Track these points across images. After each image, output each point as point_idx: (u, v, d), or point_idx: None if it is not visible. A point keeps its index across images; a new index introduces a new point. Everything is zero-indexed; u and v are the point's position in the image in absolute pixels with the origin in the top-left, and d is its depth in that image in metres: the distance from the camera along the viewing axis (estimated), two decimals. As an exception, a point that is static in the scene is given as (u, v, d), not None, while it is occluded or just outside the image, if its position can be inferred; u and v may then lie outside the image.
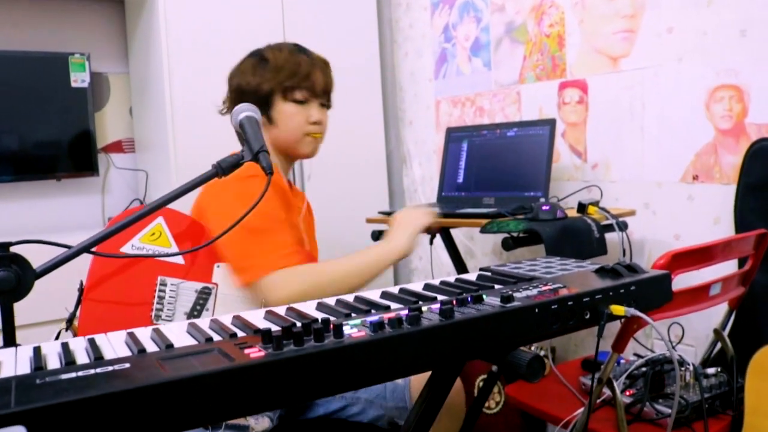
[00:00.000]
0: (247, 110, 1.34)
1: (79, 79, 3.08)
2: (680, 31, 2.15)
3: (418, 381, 1.48)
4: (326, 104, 1.76)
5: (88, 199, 3.25)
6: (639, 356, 1.79)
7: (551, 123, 2.35)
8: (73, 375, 0.72)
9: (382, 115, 3.47)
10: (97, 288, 1.40)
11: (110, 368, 0.74)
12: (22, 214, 3.10)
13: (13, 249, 1.00)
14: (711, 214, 2.11)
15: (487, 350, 0.95)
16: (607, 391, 1.61)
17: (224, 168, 1.22)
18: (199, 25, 2.81)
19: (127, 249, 1.49)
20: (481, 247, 3.04)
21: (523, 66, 2.75)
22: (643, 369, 1.69)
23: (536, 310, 0.98)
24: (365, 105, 3.40)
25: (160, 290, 1.49)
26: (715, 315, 2.00)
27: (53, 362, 0.82)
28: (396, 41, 3.53)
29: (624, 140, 2.37)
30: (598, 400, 1.65)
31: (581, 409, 1.59)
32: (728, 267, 1.84)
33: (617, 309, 1.06)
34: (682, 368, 1.64)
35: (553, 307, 1.00)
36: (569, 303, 1.02)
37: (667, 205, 2.24)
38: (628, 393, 1.64)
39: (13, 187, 3.07)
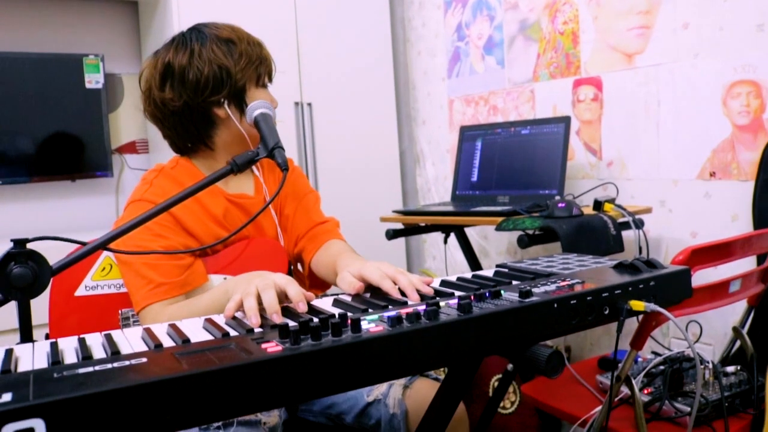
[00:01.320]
0: (262, 107, 1.34)
1: (93, 80, 3.10)
2: (696, 26, 2.13)
3: (415, 413, 1.43)
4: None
5: (103, 199, 3.26)
6: (657, 354, 1.77)
7: (566, 120, 2.33)
8: (90, 369, 0.72)
9: (395, 115, 3.46)
10: (60, 334, 1.33)
11: (127, 363, 0.74)
12: (37, 215, 3.12)
13: (29, 246, 1.00)
14: (729, 211, 2.09)
15: (505, 346, 0.94)
16: (624, 390, 1.59)
17: (239, 165, 1.22)
18: (212, 26, 2.80)
19: (81, 292, 1.47)
20: (495, 246, 3.03)
21: (536, 64, 2.74)
22: (661, 367, 1.68)
23: (555, 305, 0.97)
24: (378, 104, 3.39)
25: (124, 324, 1.47)
26: (732, 313, 1.98)
27: (70, 357, 0.82)
28: (409, 40, 3.53)
29: (639, 137, 2.35)
30: (616, 399, 1.63)
31: (598, 408, 1.57)
32: (747, 264, 1.81)
33: (637, 304, 1.05)
34: (702, 366, 1.61)
35: (572, 302, 0.99)
36: (588, 298, 1.01)
37: (684, 203, 2.22)
38: (646, 391, 1.62)
39: (29, 188, 3.09)
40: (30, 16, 3.11)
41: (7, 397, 0.62)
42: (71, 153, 3.09)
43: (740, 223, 2.05)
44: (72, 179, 3.13)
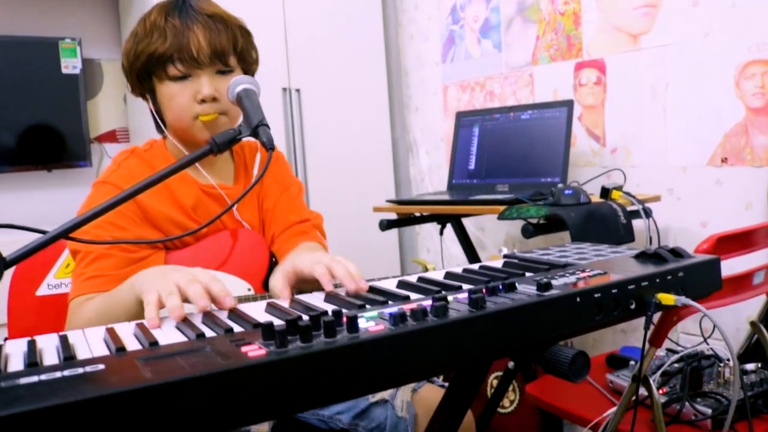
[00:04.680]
0: (243, 82, 1.21)
1: (70, 65, 2.97)
2: (707, 3, 2.03)
3: (425, 419, 1.31)
4: (226, 69, 1.33)
5: (81, 190, 3.09)
6: (671, 351, 1.66)
7: (568, 104, 2.22)
8: (34, 379, 0.60)
9: (387, 101, 3.35)
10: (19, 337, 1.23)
11: (80, 370, 0.62)
12: (12, 206, 2.99)
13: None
14: (742, 199, 1.98)
15: (523, 345, 0.83)
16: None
17: (219, 144, 1.09)
18: (195, 7, 2.68)
19: (43, 291, 1.35)
20: (492, 238, 2.91)
21: (536, 47, 2.62)
22: (676, 365, 1.57)
23: (577, 299, 0.86)
24: (369, 90, 3.28)
25: None
26: (744, 307, 1.87)
27: (16, 364, 0.70)
28: (400, 24, 3.40)
29: (646, 122, 2.24)
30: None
31: (612, 410, 1.46)
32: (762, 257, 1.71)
33: (666, 298, 0.94)
34: (721, 364, 1.51)
35: (596, 295, 0.88)
36: (613, 291, 0.90)
37: (694, 191, 2.12)
38: (661, 391, 1.51)
39: (4, 177, 2.97)
40: (3, -2, 2.97)
41: None
42: (48, 142, 2.97)
43: (754, 212, 1.95)
44: (49, 169, 3.00)
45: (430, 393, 1.33)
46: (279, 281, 1.01)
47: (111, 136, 3.21)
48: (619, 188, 1.94)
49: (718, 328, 0.96)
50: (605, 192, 1.92)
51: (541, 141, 2.26)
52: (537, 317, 0.81)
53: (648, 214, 1.86)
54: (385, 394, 1.32)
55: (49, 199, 3.06)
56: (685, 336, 2.11)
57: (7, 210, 2.97)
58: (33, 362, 0.66)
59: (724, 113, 2.01)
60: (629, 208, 1.87)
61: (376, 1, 3.29)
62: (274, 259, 1.43)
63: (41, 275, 1.35)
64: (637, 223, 1.89)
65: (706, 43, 2.04)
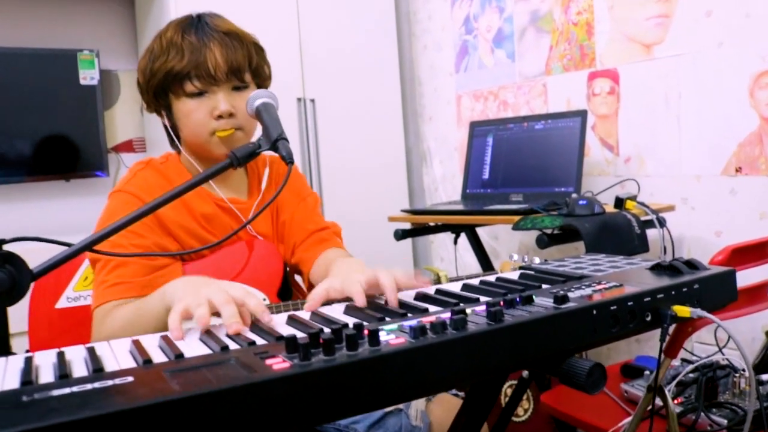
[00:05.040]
0: (262, 96, 1.22)
1: (88, 76, 3.00)
2: (720, 14, 2.03)
3: (438, 428, 1.32)
4: (241, 85, 1.35)
5: (98, 199, 3.13)
6: (686, 362, 1.66)
7: (582, 114, 2.23)
8: (66, 391, 0.62)
9: (401, 111, 3.37)
10: (40, 348, 1.24)
11: (110, 383, 0.64)
12: (31, 216, 3.03)
13: (8, 247, 0.90)
14: (756, 209, 1.98)
15: (540, 357, 0.84)
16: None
17: (239, 158, 1.11)
18: (211, 19, 2.71)
19: (62, 303, 1.37)
20: (506, 247, 2.92)
21: (549, 56, 2.63)
22: (692, 375, 1.57)
23: (594, 312, 0.87)
24: (383, 100, 3.29)
25: None
26: (760, 317, 1.87)
27: (46, 375, 0.72)
28: (414, 34, 3.42)
29: (659, 132, 2.24)
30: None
31: (627, 420, 1.46)
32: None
33: (682, 310, 0.95)
34: (736, 374, 1.51)
35: (612, 308, 0.88)
36: (629, 303, 0.91)
37: (707, 200, 2.12)
38: (676, 401, 1.52)
39: (22, 187, 3.00)
40: (23, 11, 3.01)
41: (-38, 427, 0.52)
42: (66, 152, 3.00)
43: (769, 222, 1.95)
44: (66, 179, 3.04)
45: (444, 402, 1.34)
46: (318, 295, 1.02)
47: (128, 146, 3.24)
48: (633, 198, 1.94)
49: (734, 340, 0.96)
50: (619, 202, 1.92)
51: (554, 151, 2.27)
52: (554, 330, 0.82)
53: (662, 223, 1.86)
54: (399, 404, 1.33)
55: (66, 209, 3.09)
56: (700, 346, 2.11)
57: (26, 219, 3.01)
58: (64, 374, 0.68)
59: (738, 123, 2.01)
60: (643, 218, 1.87)
61: (390, 11, 3.31)
62: (287, 270, 1.45)
63: (60, 288, 1.37)
64: (651, 233, 1.90)
65: (719, 53, 2.04)
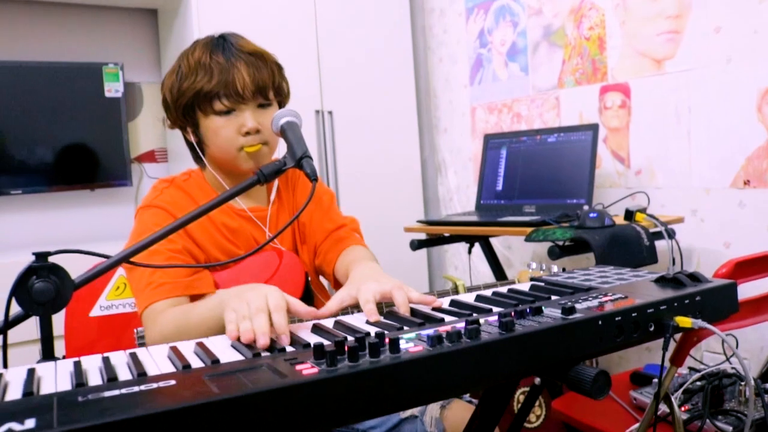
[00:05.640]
0: (287, 115, 1.29)
1: (112, 89, 3.08)
2: (729, 30, 2.08)
3: (453, 430, 1.37)
4: (266, 102, 1.42)
5: (121, 209, 3.24)
6: (693, 370, 1.71)
7: (594, 128, 2.28)
8: (116, 392, 0.68)
9: (417, 123, 3.42)
10: (75, 355, 1.29)
11: (155, 385, 0.70)
12: (56, 225, 3.10)
13: (51, 259, 0.97)
14: (764, 221, 2.02)
15: (549, 365, 0.89)
16: (662, 407, 1.53)
17: (266, 175, 1.17)
18: (232, 34, 2.78)
19: (96, 312, 1.42)
20: (519, 257, 2.97)
21: (562, 70, 2.69)
22: (698, 383, 1.62)
23: (599, 323, 0.92)
24: (399, 112, 3.35)
25: (140, 344, 1.42)
26: (767, 327, 1.92)
27: (94, 378, 0.78)
28: (429, 47, 3.49)
29: (669, 145, 2.29)
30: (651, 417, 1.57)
31: (634, 426, 1.51)
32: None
33: (683, 321, 1.00)
34: (742, 383, 1.55)
35: (616, 318, 0.94)
36: (633, 314, 0.96)
37: (717, 212, 2.16)
38: (683, 408, 1.56)
39: (48, 197, 3.08)
40: (49, 25, 3.10)
41: (30, 423, 0.59)
42: (90, 162, 3.08)
43: (777, 234, 1.99)
44: (91, 188, 3.12)
45: (458, 409, 1.39)
46: (335, 304, 1.10)
47: (150, 156, 3.32)
48: (643, 210, 1.99)
49: (733, 350, 1.01)
50: (629, 214, 1.96)
51: (567, 163, 2.32)
52: (562, 339, 0.88)
53: (671, 235, 1.91)
54: (414, 410, 1.38)
55: (90, 217, 3.17)
56: (709, 354, 2.15)
57: (52, 227, 3.09)
58: (112, 377, 0.75)
59: (746, 137, 2.05)
60: (652, 230, 1.92)
61: (405, 25, 3.37)
62: (308, 279, 1.52)
63: (94, 297, 1.43)
64: (661, 244, 1.94)
65: (728, 69, 2.09)
